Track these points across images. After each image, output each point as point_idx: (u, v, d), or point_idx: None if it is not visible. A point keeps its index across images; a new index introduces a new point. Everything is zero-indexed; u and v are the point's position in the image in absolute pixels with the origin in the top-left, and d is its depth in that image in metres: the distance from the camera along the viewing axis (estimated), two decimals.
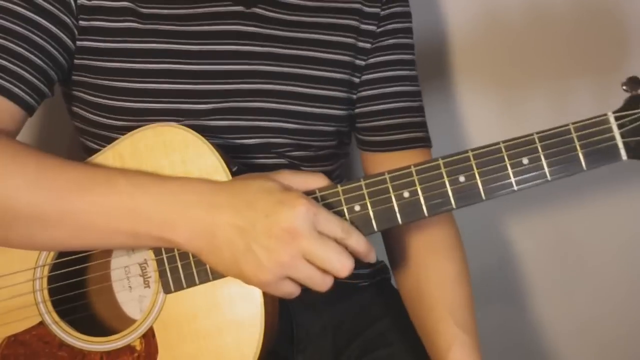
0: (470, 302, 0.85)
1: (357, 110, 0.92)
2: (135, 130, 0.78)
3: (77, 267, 0.80)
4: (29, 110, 0.80)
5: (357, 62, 0.90)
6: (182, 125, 0.82)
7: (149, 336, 0.76)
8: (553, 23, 1.17)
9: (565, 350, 1.34)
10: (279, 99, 0.86)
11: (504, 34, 1.17)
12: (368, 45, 0.90)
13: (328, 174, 0.93)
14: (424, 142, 0.92)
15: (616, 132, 0.71)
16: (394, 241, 0.91)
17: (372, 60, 0.90)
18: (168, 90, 0.83)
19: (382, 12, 0.90)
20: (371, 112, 0.91)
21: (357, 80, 0.90)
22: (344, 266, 0.67)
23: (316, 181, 0.73)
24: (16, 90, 0.78)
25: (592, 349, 1.34)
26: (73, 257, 0.79)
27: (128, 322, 0.81)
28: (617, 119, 0.72)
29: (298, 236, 0.66)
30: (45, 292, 0.78)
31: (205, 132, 0.82)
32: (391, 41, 0.91)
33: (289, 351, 0.90)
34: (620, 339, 1.33)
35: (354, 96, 0.91)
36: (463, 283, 0.86)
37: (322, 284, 0.68)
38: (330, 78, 0.88)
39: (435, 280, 0.86)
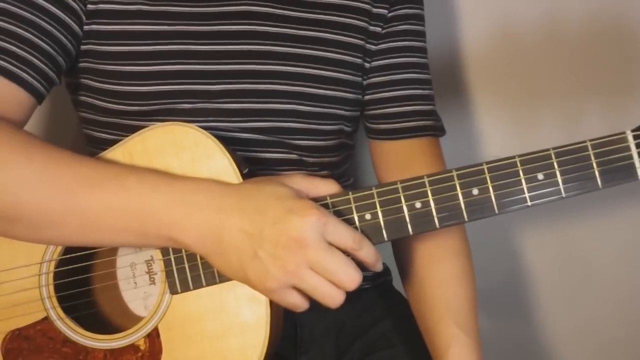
0: (472, 302, 0.85)
1: (366, 97, 0.90)
2: (145, 129, 0.76)
3: (84, 263, 0.79)
4: (39, 97, 0.79)
5: (368, 46, 0.89)
6: (194, 107, 0.82)
7: (153, 336, 0.76)
8: (566, 43, 1.16)
9: (566, 351, 1.34)
10: (291, 81, 0.85)
11: (517, 53, 1.17)
12: (379, 30, 0.89)
13: (336, 167, 0.93)
14: (433, 131, 0.91)
15: (634, 151, 0.70)
16: (401, 244, 0.90)
17: (383, 46, 0.89)
18: (179, 71, 0.82)
19: None
20: (380, 99, 0.90)
21: (367, 65, 0.89)
22: (351, 278, 0.66)
23: (327, 187, 0.72)
24: (26, 76, 0.77)
25: (592, 350, 1.34)
26: (80, 253, 0.78)
27: (132, 318, 0.81)
28: (635, 137, 0.71)
29: (305, 246, 0.65)
30: (51, 287, 0.77)
31: (216, 114, 0.82)
32: (402, 27, 0.90)
33: (292, 352, 0.90)
34: (620, 340, 1.33)
35: (364, 82, 0.90)
36: (466, 283, 0.85)
37: (330, 296, 0.67)
38: (342, 61, 0.87)
39: (438, 279, 0.85)
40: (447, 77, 0.98)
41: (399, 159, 0.89)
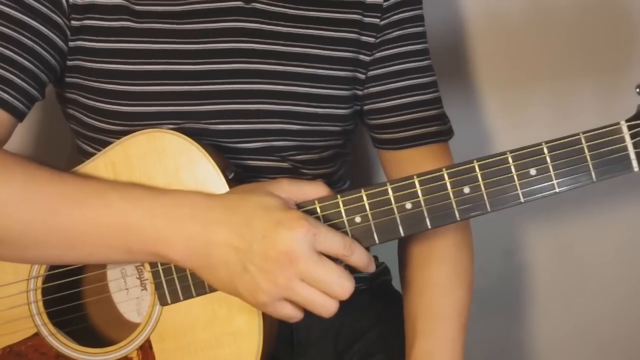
0: (453, 311, 0.81)
1: (365, 108, 0.88)
2: (127, 136, 0.75)
3: (73, 278, 0.78)
4: (19, 116, 0.77)
5: (361, 57, 0.85)
6: (182, 128, 0.80)
7: (145, 348, 0.75)
8: (556, 24, 1.13)
9: (565, 351, 1.34)
10: (281, 100, 0.82)
11: (506, 35, 1.14)
12: (372, 40, 0.85)
13: (331, 175, 0.91)
14: (438, 137, 0.87)
15: (629, 142, 0.68)
16: (400, 251, 0.89)
17: (378, 55, 0.86)
18: (165, 92, 0.80)
19: (385, 4, 0.85)
20: (379, 109, 0.87)
21: (362, 76, 0.86)
22: (343, 289, 0.65)
23: (315, 191, 0.71)
24: (5, 96, 0.75)
25: (591, 351, 1.34)
26: (66, 268, 0.77)
27: (126, 325, 0.80)
28: (630, 128, 0.68)
29: (296, 259, 0.64)
30: (40, 303, 0.76)
31: (205, 135, 0.80)
32: (397, 33, 0.86)
33: (289, 355, 0.90)
34: (619, 341, 1.33)
35: (360, 92, 0.87)
36: (446, 293, 0.82)
37: (323, 307, 0.66)
38: (333, 76, 0.84)
39: (416, 289, 0.84)
40: (433, 62, 0.97)
41: (405, 168, 0.85)
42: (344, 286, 0.65)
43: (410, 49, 0.87)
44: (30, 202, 0.68)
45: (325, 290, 0.65)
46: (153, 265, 0.74)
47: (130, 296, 0.81)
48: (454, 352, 0.79)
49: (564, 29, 1.14)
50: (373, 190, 0.70)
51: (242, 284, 0.66)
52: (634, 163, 0.69)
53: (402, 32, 0.86)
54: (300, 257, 0.64)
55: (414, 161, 0.86)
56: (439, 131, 0.87)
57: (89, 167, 0.75)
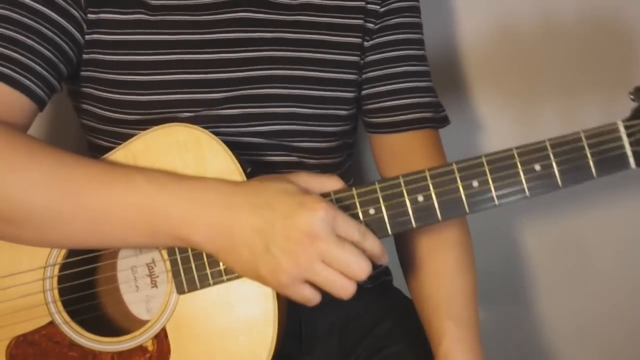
0: (469, 294, 0.85)
1: (363, 92, 0.91)
2: (147, 130, 0.77)
3: (87, 267, 0.79)
4: (40, 103, 0.79)
5: (365, 43, 0.90)
6: (198, 116, 0.83)
7: (161, 337, 0.76)
8: (564, 37, 1.18)
9: (567, 350, 1.35)
10: (289, 84, 0.86)
11: (516, 48, 1.18)
12: (372, 26, 0.90)
13: (337, 166, 0.94)
14: (432, 123, 0.91)
15: (625, 141, 0.73)
16: (401, 237, 0.91)
17: (377, 40, 0.90)
18: (179, 80, 0.83)
19: None
20: (377, 94, 0.91)
21: (362, 62, 0.90)
22: (361, 269, 0.68)
23: (332, 184, 0.74)
24: (27, 82, 0.77)
25: (593, 349, 1.35)
26: (83, 257, 0.78)
27: (135, 322, 0.81)
28: (626, 127, 0.73)
29: (317, 239, 0.67)
30: (56, 291, 0.77)
31: (218, 121, 0.83)
32: (396, 20, 0.90)
33: (297, 351, 0.91)
34: (621, 338, 1.34)
35: (361, 77, 0.91)
36: (462, 275, 0.86)
37: (342, 288, 0.68)
38: (340, 61, 0.88)
39: (433, 271, 0.87)
40: (446, 72, 0.98)
41: (398, 152, 0.90)
42: (362, 267, 0.68)
43: (408, 37, 0.91)
44: (58, 182, 0.70)
45: (344, 270, 0.68)
46: (171, 253, 0.75)
47: (140, 293, 0.82)
48: (475, 330, 0.83)
49: (572, 44, 1.18)
50: (386, 184, 0.73)
51: (263, 265, 0.68)
52: (631, 160, 0.73)
53: (401, 20, 0.91)
54: (321, 237, 0.67)
55: (407, 145, 0.90)
56: (433, 117, 0.91)
57: (110, 159, 0.77)
